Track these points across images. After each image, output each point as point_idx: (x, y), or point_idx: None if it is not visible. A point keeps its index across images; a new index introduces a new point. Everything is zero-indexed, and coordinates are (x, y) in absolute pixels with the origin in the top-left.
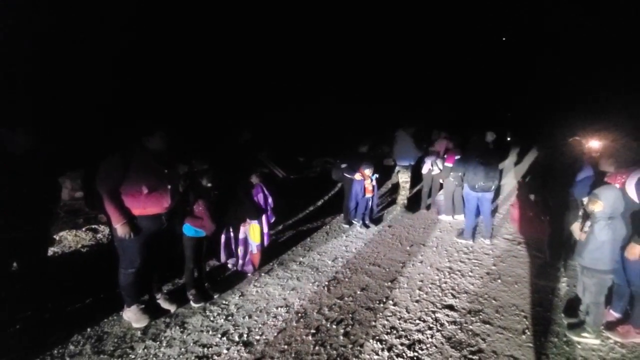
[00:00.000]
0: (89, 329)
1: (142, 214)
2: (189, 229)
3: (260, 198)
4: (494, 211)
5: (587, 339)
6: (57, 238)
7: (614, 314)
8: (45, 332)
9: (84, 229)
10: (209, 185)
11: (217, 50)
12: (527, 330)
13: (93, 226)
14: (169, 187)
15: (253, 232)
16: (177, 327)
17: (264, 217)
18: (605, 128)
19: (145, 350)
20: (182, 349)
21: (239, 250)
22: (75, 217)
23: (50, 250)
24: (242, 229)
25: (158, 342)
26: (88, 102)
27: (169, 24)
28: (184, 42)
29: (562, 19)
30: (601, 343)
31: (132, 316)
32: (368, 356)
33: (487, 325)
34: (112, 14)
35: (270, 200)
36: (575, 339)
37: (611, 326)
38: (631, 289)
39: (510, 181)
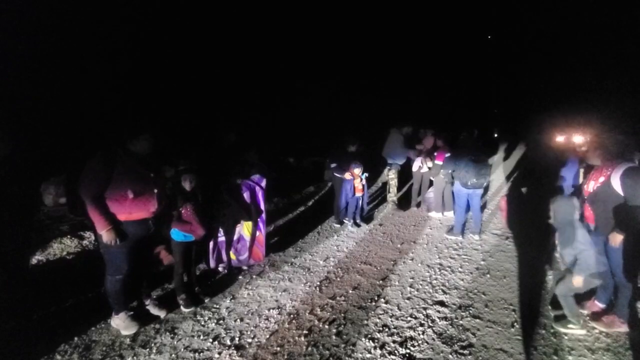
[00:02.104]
0: (76, 338)
1: (128, 219)
2: (177, 234)
3: (247, 196)
4: (483, 207)
5: (574, 330)
6: (42, 246)
7: (599, 305)
8: (31, 342)
9: (69, 236)
10: (190, 188)
11: (204, 50)
12: (515, 324)
13: (79, 232)
14: (155, 191)
15: (247, 230)
16: (168, 333)
17: (254, 210)
18: (591, 123)
19: (135, 358)
20: (173, 355)
21: (238, 246)
22: (60, 223)
23: (35, 259)
24: (237, 229)
25: (148, 349)
26: (72, 104)
27: (156, 25)
28: (171, 42)
29: (549, 17)
30: (587, 333)
31: (121, 323)
32: (361, 355)
33: (477, 320)
34: (97, 16)
35: (257, 190)
36: (562, 330)
37: (596, 317)
38: (615, 280)
39: (498, 177)
